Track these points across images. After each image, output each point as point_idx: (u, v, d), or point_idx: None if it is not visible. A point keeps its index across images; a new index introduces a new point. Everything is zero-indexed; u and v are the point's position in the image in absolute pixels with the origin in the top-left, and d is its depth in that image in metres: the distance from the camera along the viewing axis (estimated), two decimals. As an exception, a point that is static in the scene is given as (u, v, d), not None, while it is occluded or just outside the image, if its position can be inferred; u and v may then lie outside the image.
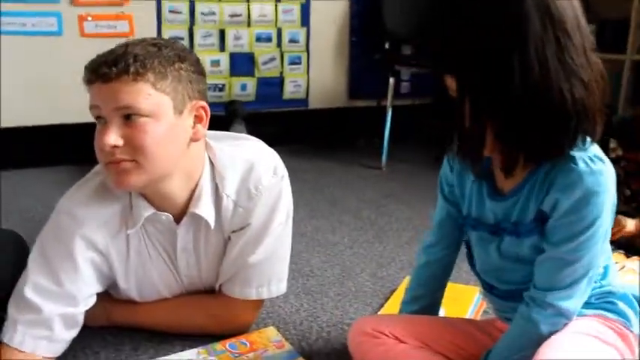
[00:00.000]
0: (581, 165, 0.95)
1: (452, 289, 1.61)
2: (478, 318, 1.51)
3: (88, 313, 1.30)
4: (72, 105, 2.79)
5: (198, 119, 1.27)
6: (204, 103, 1.28)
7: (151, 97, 1.15)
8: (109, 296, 1.43)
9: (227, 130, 1.54)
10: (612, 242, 1.85)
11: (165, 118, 1.18)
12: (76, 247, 1.26)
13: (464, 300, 1.55)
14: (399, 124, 3.33)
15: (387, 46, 3.51)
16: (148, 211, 1.28)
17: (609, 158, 2.06)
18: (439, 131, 1.07)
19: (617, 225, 1.94)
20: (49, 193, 2.19)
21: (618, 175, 2.09)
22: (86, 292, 1.29)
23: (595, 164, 0.96)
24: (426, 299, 1.29)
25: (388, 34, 3.49)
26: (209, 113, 1.29)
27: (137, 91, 1.14)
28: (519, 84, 0.90)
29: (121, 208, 1.30)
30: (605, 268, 1.09)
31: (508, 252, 1.09)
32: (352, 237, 2.16)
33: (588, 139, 0.97)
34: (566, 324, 1.01)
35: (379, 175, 3.05)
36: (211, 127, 1.31)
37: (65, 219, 1.27)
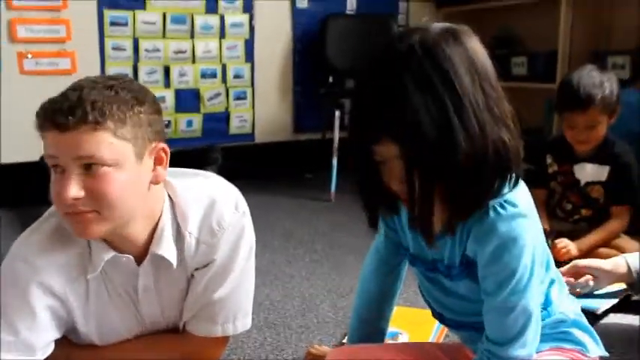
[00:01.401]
0: (492, 213, 0.95)
1: (413, 314, 1.65)
2: (441, 341, 1.55)
3: None
4: (11, 144, 2.72)
5: (157, 161, 1.24)
6: (164, 145, 1.25)
7: (112, 145, 1.11)
8: (68, 341, 1.39)
9: None
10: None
11: (127, 166, 1.15)
12: (32, 294, 1.21)
13: (426, 324, 1.58)
14: (345, 156, 3.40)
15: (330, 79, 3.60)
16: (108, 254, 1.24)
17: (547, 174, 2.18)
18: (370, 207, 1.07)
19: (557, 252, 2.02)
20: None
21: (554, 192, 2.24)
22: (44, 339, 1.25)
23: (506, 210, 0.95)
24: (370, 327, 1.31)
25: (331, 69, 3.58)
26: (169, 154, 1.27)
27: (97, 140, 1.09)
28: (463, 141, 0.89)
29: (79, 252, 1.25)
30: (547, 294, 1.11)
31: (449, 290, 1.11)
32: (309, 269, 2.18)
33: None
34: None
35: (329, 207, 3.09)
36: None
37: (20, 266, 1.21)
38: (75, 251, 1.25)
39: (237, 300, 1.38)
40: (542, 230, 1.08)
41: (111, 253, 1.24)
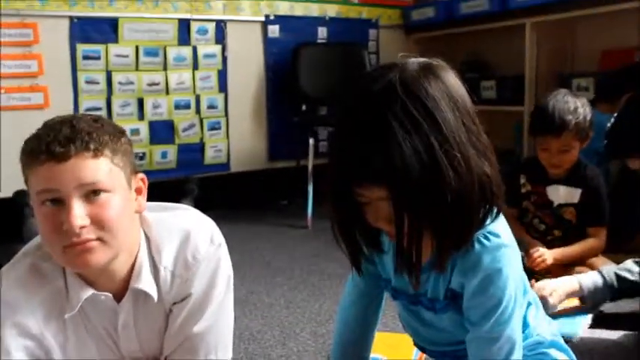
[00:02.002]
0: (477, 245, 0.97)
1: (393, 339, 1.67)
2: (420, 366, 1.56)
3: None
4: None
5: (137, 191, 1.27)
6: (143, 175, 1.28)
7: (111, 172, 1.14)
8: None
9: None
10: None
11: (122, 193, 1.17)
12: (7, 335, 1.20)
13: (405, 350, 1.59)
14: (321, 182, 3.42)
15: (303, 107, 3.64)
16: (86, 292, 1.23)
17: (521, 194, 2.22)
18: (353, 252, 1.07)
19: (533, 262, 2.07)
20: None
21: (527, 210, 2.29)
22: None
23: (490, 241, 0.97)
24: (354, 356, 1.31)
25: (304, 97, 3.62)
26: (147, 185, 1.29)
27: (99, 166, 1.12)
28: (452, 180, 0.88)
29: (55, 291, 1.24)
30: (525, 317, 1.13)
31: (430, 323, 1.13)
32: (287, 297, 2.18)
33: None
34: None
35: (306, 234, 3.11)
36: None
37: None
38: (51, 290, 1.24)
39: (216, 333, 1.37)
40: (520, 258, 1.11)
41: (89, 292, 1.23)
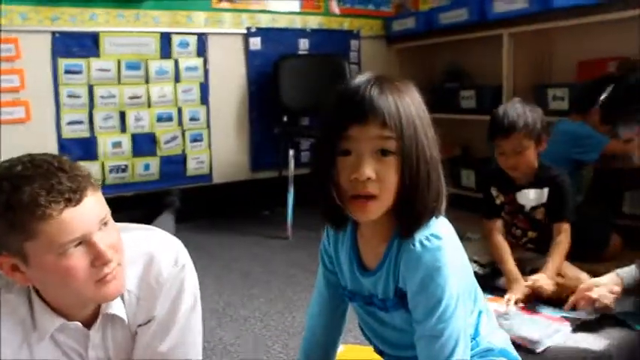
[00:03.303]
0: (418, 246, 1.04)
1: (360, 352, 1.70)
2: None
3: None
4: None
5: None
6: None
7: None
8: None
9: (152, 220, 1.56)
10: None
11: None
12: None
13: (372, 362, 1.63)
14: (302, 193, 3.46)
15: (285, 119, 3.68)
16: (55, 322, 1.25)
17: (495, 205, 2.30)
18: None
19: (538, 294, 2.09)
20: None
21: (505, 220, 2.34)
22: None
23: (430, 242, 1.04)
24: None
25: (285, 108, 3.66)
26: None
27: (101, 197, 1.19)
28: (424, 154, 1.03)
29: (20, 322, 1.25)
30: (476, 325, 1.19)
31: (385, 322, 1.19)
32: (262, 310, 2.22)
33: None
34: None
35: (286, 245, 3.14)
36: (118, 211, 1.34)
37: None
38: (15, 321, 1.25)
39: (183, 351, 1.39)
40: (469, 263, 1.17)
41: (58, 322, 1.25)
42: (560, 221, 2.25)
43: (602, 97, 1.67)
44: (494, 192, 2.39)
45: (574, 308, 1.88)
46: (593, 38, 3.23)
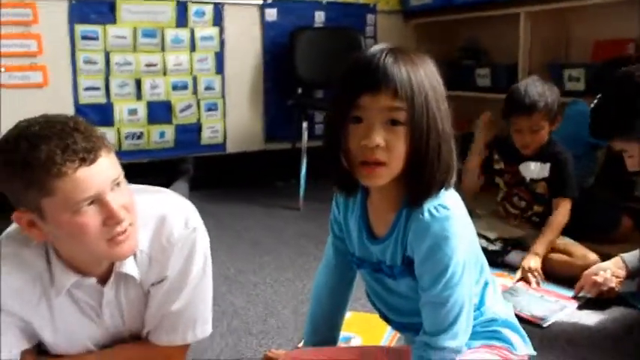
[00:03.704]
0: (427, 215, 1.07)
1: (367, 319, 1.74)
2: (393, 344, 1.63)
3: None
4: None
5: None
6: None
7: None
8: (33, 356, 1.39)
9: (166, 187, 1.58)
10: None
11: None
12: None
13: (378, 329, 1.67)
14: (315, 165, 3.48)
15: (299, 91, 3.69)
16: (71, 278, 1.30)
17: (495, 170, 2.36)
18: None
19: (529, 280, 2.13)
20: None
21: (504, 188, 2.40)
22: (8, 355, 1.30)
23: (439, 212, 1.07)
24: (323, 333, 1.40)
25: (300, 80, 3.67)
26: None
27: (115, 159, 1.22)
28: (434, 128, 1.04)
29: (38, 276, 1.30)
30: (482, 296, 1.22)
31: (392, 289, 1.22)
32: (273, 277, 2.26)
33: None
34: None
35: (297, 216, 3.18)
36: (133, 178, 1.37)
37: None
38: (33, 275, 1.29)
39: (194, 310, 1.43)
40: (476, 236, 1.19)
41: (74, 278, 1.30)
42: (559, 197, 2.29)
43: (592, 105, 1.67)
44: (495, 155, 2.45)
45: (580, 292, 1.97)
46: (610, 18, 3.20)
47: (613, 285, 1.91)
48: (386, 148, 1.02)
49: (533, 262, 2.16)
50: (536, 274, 2.13)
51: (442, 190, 1.09)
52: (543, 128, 2.25)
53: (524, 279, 2.14)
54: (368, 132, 1.02)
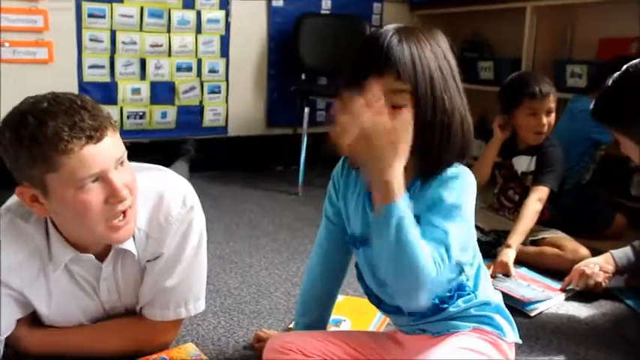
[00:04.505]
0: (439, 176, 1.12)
1: (357, 303, 1.77)
2: (382, 329, 1.66)
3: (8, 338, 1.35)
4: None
5: None
6: None
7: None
8: (28, 324, 1.44)
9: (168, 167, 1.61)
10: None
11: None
12: None
13: (368, 314, 1.69)
14: (315, 151, 3.51)
15: (303, 77, 3.70)
16: (69, 254, 1.33)
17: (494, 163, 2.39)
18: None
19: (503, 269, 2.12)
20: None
21: (501, 182, 2.44)
22: (5, 323, 1.34)
23: (452, 170, 1.12)
24: (313, 315, 1.43)
25: (304, 67, 3.68)
26: None
27: (119, 138, 1.25)
28: (455, 102, 1.09)
29: (36, 250, 1.33)
30: (476, 277, 1.24)
31: None
32: (268, 259, 2.29)
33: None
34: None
35: (295, 200, 3.21)
36: (134, 157, 1.40)
37: None
38: (31, 249, 1.32)
39: (188, 287, 1.47)
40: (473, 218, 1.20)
41: (72, 254, 1.33)
42: (537, 184, 2.29)
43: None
44: None
45: (568, 285, 2.00)
46: (616, 16, 3.21)
47: (600, 280, 1.93)
48: None
49: (504, 255, 2.12)
50: (507, 268, 2.09)
51: (455, 164, 1.13)
52: (554, 111, 2.32)
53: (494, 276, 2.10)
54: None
